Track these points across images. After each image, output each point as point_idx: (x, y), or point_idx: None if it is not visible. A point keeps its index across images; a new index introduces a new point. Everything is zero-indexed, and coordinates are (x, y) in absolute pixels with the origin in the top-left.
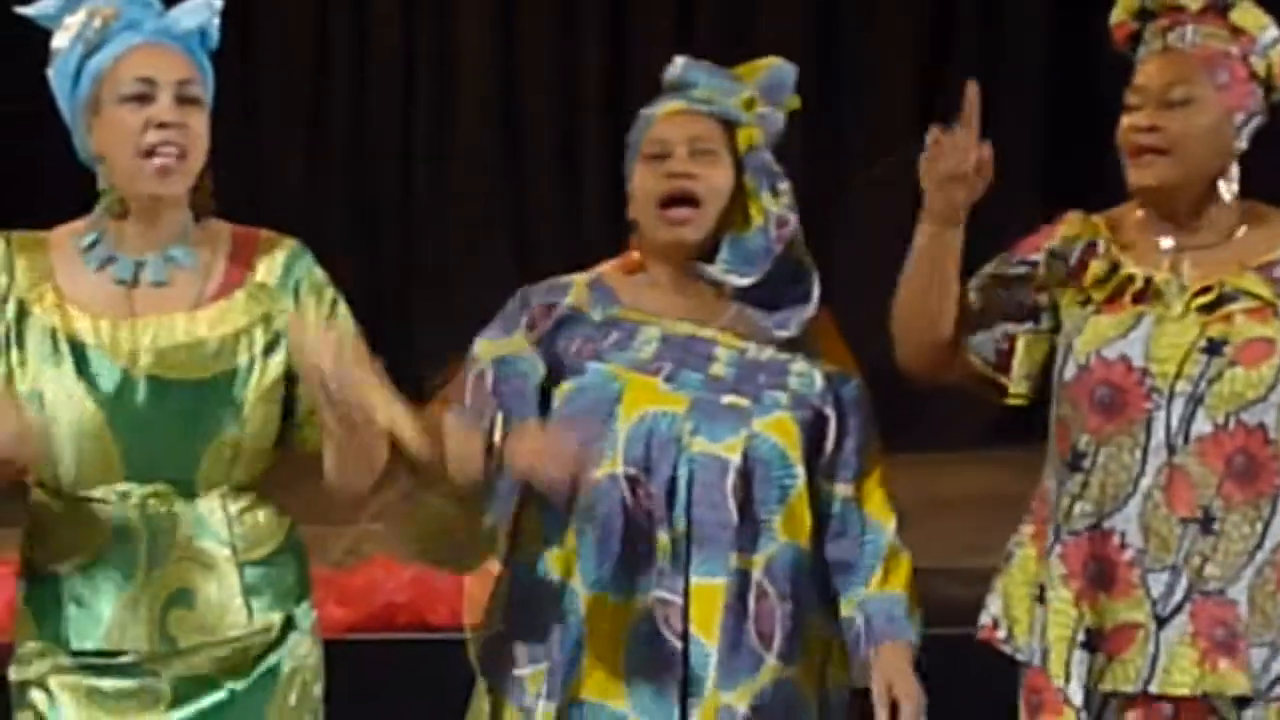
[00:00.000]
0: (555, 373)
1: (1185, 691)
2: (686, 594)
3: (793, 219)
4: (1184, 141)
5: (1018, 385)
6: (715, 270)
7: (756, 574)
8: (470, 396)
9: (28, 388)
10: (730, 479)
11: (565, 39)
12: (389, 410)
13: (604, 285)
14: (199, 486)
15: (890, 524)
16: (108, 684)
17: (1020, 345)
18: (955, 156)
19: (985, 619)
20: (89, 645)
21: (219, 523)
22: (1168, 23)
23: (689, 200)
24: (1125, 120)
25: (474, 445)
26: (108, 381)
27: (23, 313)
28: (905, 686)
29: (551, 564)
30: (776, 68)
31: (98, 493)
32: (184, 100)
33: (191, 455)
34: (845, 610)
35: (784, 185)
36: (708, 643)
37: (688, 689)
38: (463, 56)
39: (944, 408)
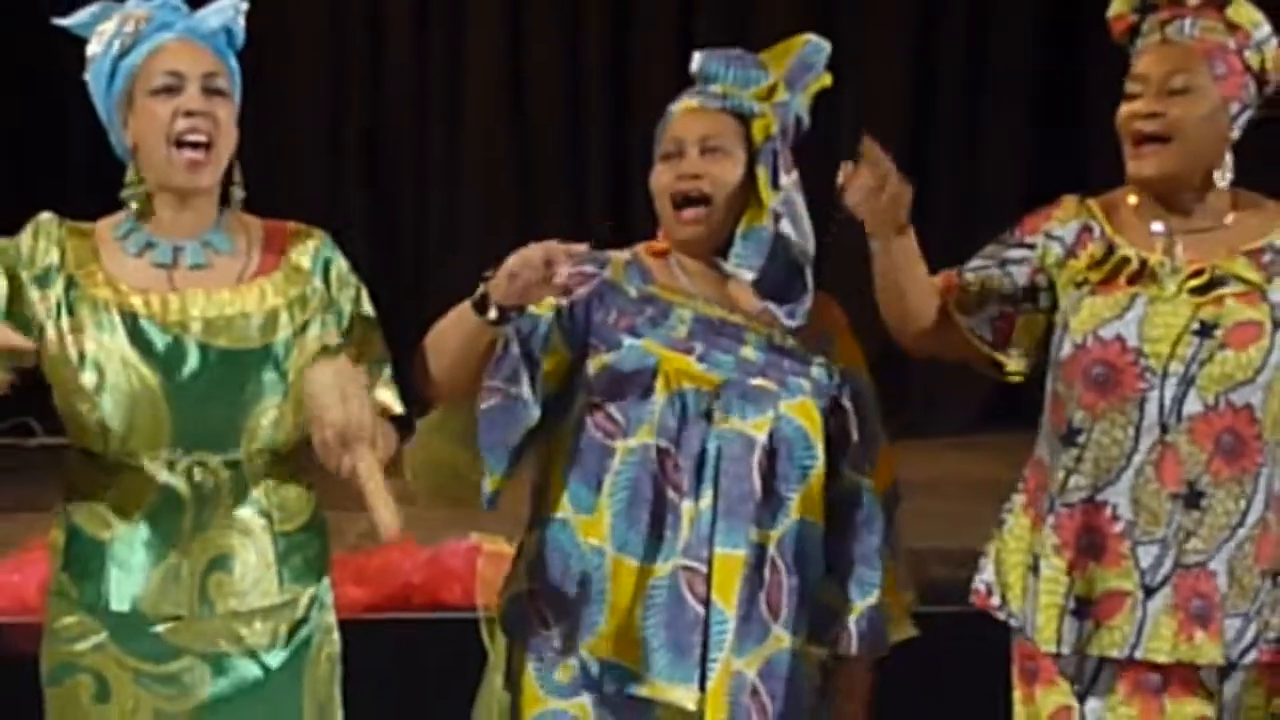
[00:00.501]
0: (587, 342)
1: (1162, 658)
2: (710, 563)
3: (786, 213)
4: (1183, 128)
5: (1016, 363)
6: (728, 264)
7: (771, 548)
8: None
9: (78, 352)
10: (756, 456)
11: (570, 41)
12: (372, 481)
13: (639, 264)
14: (242, 456)
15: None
16: (148, 665)
17: (1019, 323)
18: (863, 190)
19: (979, 585)
20: (127, 607)
21: (258, 493)
22: (1167, 15)
23: (699, 199)
24: (1126, 108)
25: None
26: (160, 349)
27: (72, 285)
28: (866, 689)
29: (579, 528)
30: (808, 48)
31: (145, 459)
32: (210, 91)
33: (237, 423)
34: (846, 604)
35: (786, 179)
36: (727, 610)
37: (706, 653)
38: (473, 57)
39: (934, 394)
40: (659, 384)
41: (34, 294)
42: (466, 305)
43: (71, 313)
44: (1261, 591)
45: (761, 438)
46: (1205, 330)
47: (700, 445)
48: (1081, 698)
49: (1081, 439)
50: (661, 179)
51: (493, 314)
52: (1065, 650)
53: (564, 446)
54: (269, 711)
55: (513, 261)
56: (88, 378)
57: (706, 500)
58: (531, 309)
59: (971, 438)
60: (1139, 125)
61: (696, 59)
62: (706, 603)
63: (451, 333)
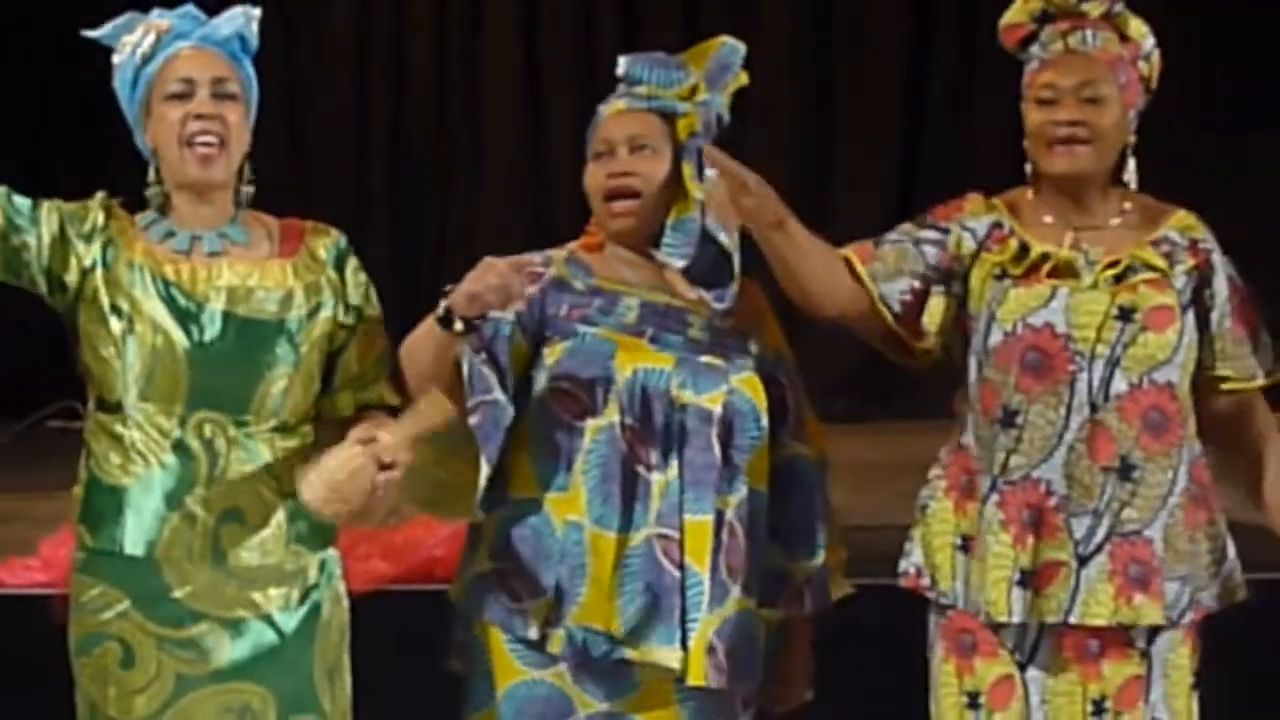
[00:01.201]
0: (543, 333)
1: (1102, 622)
2: (682, 529)
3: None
4: (1098, 134)
5: (928, 341)
6: (660, 254)
7: (729, 513)
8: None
9: (110, 303)
10: (715, 428)
11: (582, 44)
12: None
13: (578, 260)
14: (250, 419)
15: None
16: (169, 630)
17: (933, 304)
18: (723, 203)
19: (907, 568)
20: (141, 552)
21: (265, 455)
22: (1067, 26)
23: (629, 194)
24: (1043, 114)
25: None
26: (185, 312)
27: (111, 244)
28: (807, 659)
29: (551, 506)
30: (724, 49)
31: (160, 414)
32: (220, 96)
33: (249, 389)
34: (794, 567)
35: (710, 172)
36: (701, 572)
37: (685, 614)
38: (490, 59)
39: (914, 382)
40: (617, 366)
41: (80, 247)
42: (435, 329)
43: (108, 268)
44: (1192, 556)
45: (717, 410)
46: (1126, 315)
47: (664, 420)
48: (1022, 667)
49: (1020, 420)
50: (595, 178)
51: (459, 327)
52: (1016, 619)
53: (526, 431)
54: (283, 674)
55: (470, 284)
56: (116, 326)
57: (673, 471)
58: (494, 314)
59: (952, 421)
60: (1060, 131)
61: (622, 63)
62: (681, 567)
63: (422, 344)
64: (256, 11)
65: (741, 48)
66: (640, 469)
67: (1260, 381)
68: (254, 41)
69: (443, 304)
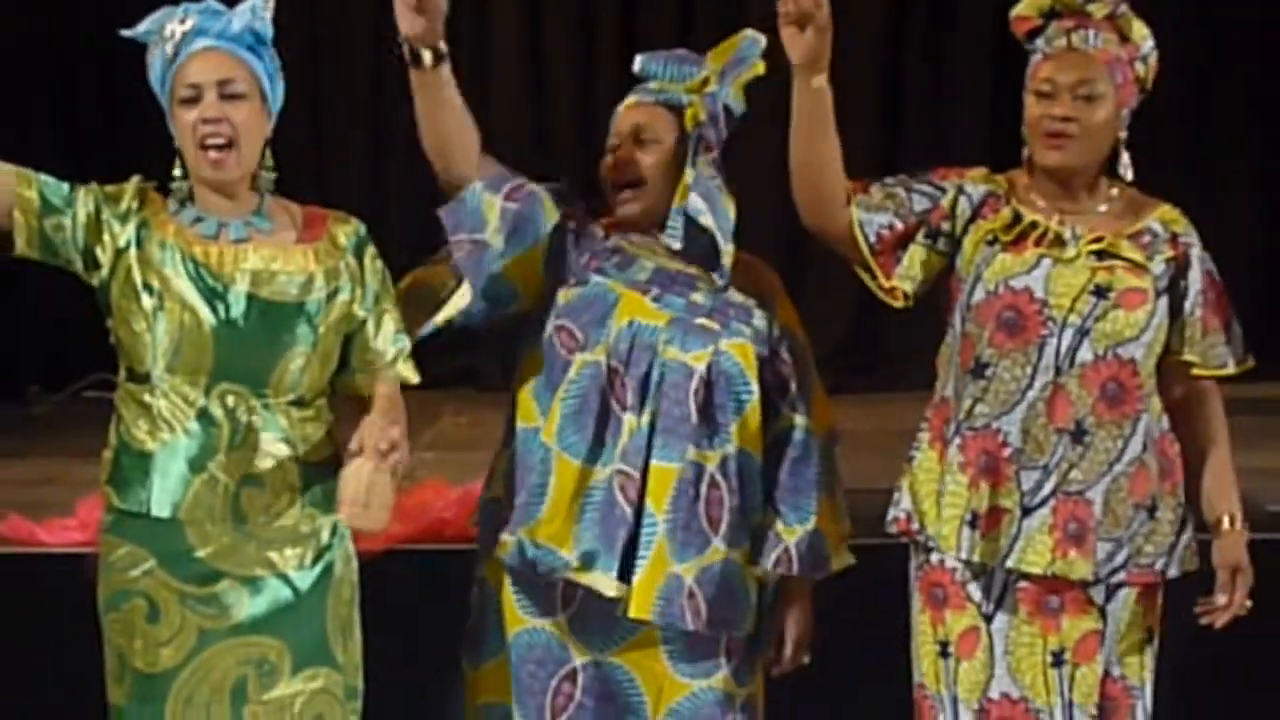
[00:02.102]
0: (561, 275)
1: (1038, 571)
2: (645, 472)
3: (696, 190)
4: (1090, 130)
5: (901, 282)
6: (664, 236)
7: (711, 467)
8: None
9: (142, 280)
10: (694, 384)
11: (583, 46)
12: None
13: (610, 231)
14: (270, 392)
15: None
16: (192, 587)
17: (914, 251)
18: (795, 13)
19: (897, 514)
20: (166, 513)
21: (283, 425)
22: (1072, 24)
23: (632, 183)
24: (1039, 109)
25: None
26: (213, 291)
27: (144, 225)
28: (807, 627)
29: (543, 436)
30: (744, 43)
31: (186, 385)
32: (226, 97)
33: (269, 365)
34: (784, 530)
35: (703, 158)
36: (656, 513)
37: (635, 550)
38: (497, 63)
39: (907, 352)
40: (616, 314)
41: (115, 227)
42: (414, 76)
43: (141, 248)
44: (1135, 522)
45: (700, 369)
46: (1100, 292)
47: (646, 369)
48: (988, 619)
49: (989, 373)
50: (604, 168)
51: (428, 59)
52: (963, 555)
53: (533, 365)
54: (298, 628)
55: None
56: (147, 302)
57: (646, 417)
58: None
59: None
60: (1054, 125)
61: (638, 61)
62: (638, 507)
63: (423, 114)
64: (260, 4)
65: (761, 40)
66: (616, 408)
67: (1230, 370)
68: (267, 32)
69: (404, 48)
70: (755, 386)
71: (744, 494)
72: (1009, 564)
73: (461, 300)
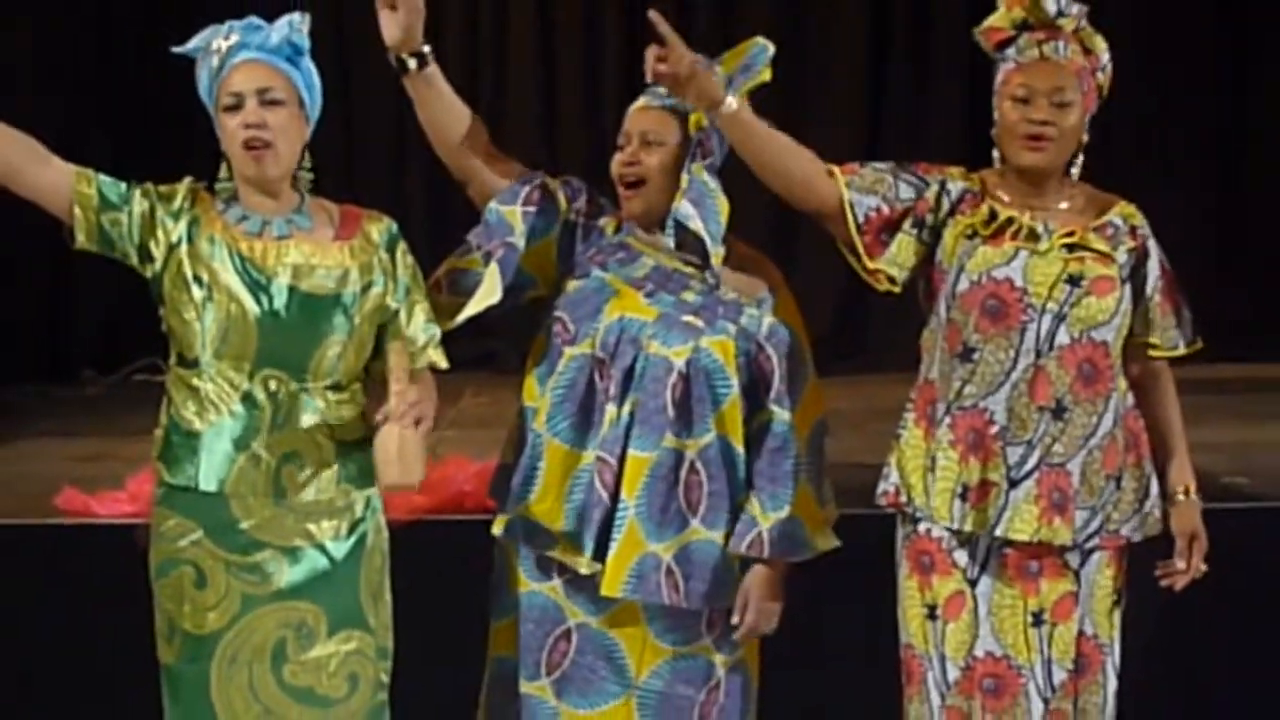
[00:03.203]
0: (571, 267)
1: (1025, 537)
2: (622, 459)
3: (687, 192)
4: (1064, 133)
5: (889, 268)
6: (662, 235)
7: (690, 455)
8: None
9: (193, 273)
10: (672, 378)
11: (591, 51)
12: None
13: (620, 225)
14: (309, 377)
15: (805, 450)
16: (236, 556)
17: (903, 240)
18: (667, 76)
19: (886, 488)
20: (214, 488)
21: (321, 407)
22: (1044, 36)
23: (636, 182)
24: (1017, 113)
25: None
26: (257, 284)
27: (195, 222)
28: (768, 598)
29: (534, 422)
30: (754, 50)
31: (231, 370)
32: (266, 103)
33: (308, 352)
34: (758, 514)
35: (699, 163)
36: (628, 499)
37: (610, 529)
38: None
39: (891, 337)
40: (608, 308)
41: (168, 224)
42: (406, 83)
43: (191, 243)
44: (1106, 491)
45: (679, 364)
46: (1074, 280)
47: (630, 362)
48: (972, 583)
49: (975, 356)
50: (614, 167)
51: (412, 65)
52: (955, 525)
53: (540, 348)
54: (333, 594)
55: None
56: (197, 294)
57: (627, 408)
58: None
59: (916, 373)
60: (1034, 129)
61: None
62: (614, 492)
63: (427, 120)
64: (298, 18)
65: (770, 48)
66: (600, 398)
67: (1182, 350)
68: (304, 44)
69: (392, 58)
70: (734, 381)
71: (726, 480)
72: (997, 532)
73: (491, 295)
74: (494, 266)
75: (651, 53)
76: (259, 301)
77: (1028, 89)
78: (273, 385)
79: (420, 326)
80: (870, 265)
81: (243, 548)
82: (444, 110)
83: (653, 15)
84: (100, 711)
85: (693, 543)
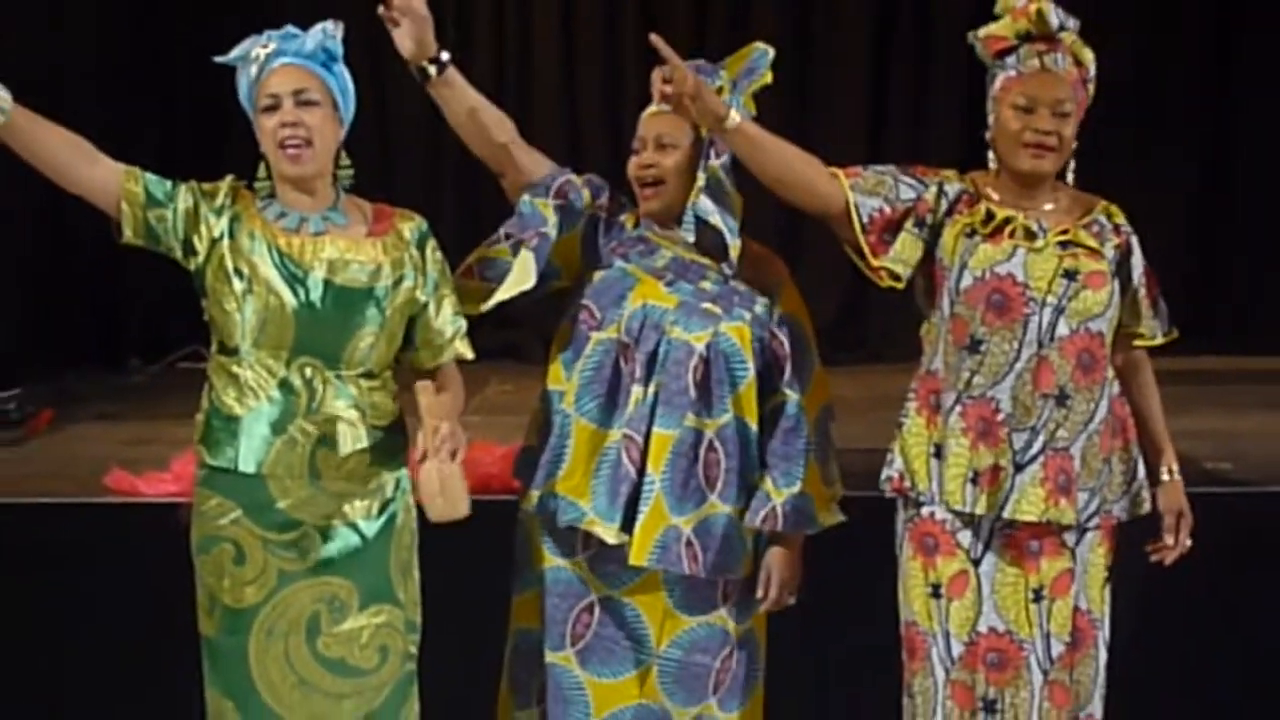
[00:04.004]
0: (595, 260)
1: (1033, 518)
2: (647, 437)
3: (704, 190)
4: (1065, 141)
5: (894, 265)
6: (680, 230)
7: (709, 434)
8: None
9: (234, 266)
10: (693, 361)
11: (610, 55)
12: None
13: (638, 221)
14: (343, 366)
15: (813, 432)
16: (273, 534)
17: (905, 239)
18: (669, 90)
19: (890, 474)
20: (252, 469)
21: (354, 393)
22: (1044, 48)
23: (653, 182)
24: (1020, 121)
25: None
26: (294, 277)
27: (236, 218)
28: (789, 573)
29: (563, 403)
30: (756, 54)
31: (269, 358)
32: (301, 104)
33: (342, 342)
34: (772, 491)
35: (714, 162)
36: (654, 473)
37: (637, 503)
38: (537, 86)
39: (889, 330)
40: (631, 296)
41: (210, 220)
42: (430, 91)
43: (233, 238)
44: (1102, 474)
45: (700, 348)
46: (1070, 275)
47: (654, 347)
48: (975, 563)
49: (983, 348)
50: (631, 169)
51: (432, 72)
52: (967, 508)
53: (564, 335)
54: (365, 570)
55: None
56: (238, 286)
57: (651, 389)
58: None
59: (917, 364)
60: (1039, 138)
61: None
62: (640, 467)
63: (447, 114)
64: (335, 25)
65: (770, 52)
66: (626, 380)
67: (1159, 340)
68: (337, 49)
69: (415, 72)
70: (751, 365)
71: (741, 457)
72: (1005, 514)
73: (525, 280)
74: (528, 254)
75: (658, 75)
76: (296, 294)
77: (1030, 99)
78: (308, 373)
79: (448, 319)
80: (875, 263)
81: (280, 526)
82: (469, 111)
83: (654, 39)
84: (143, 679)
85: (711, 516)
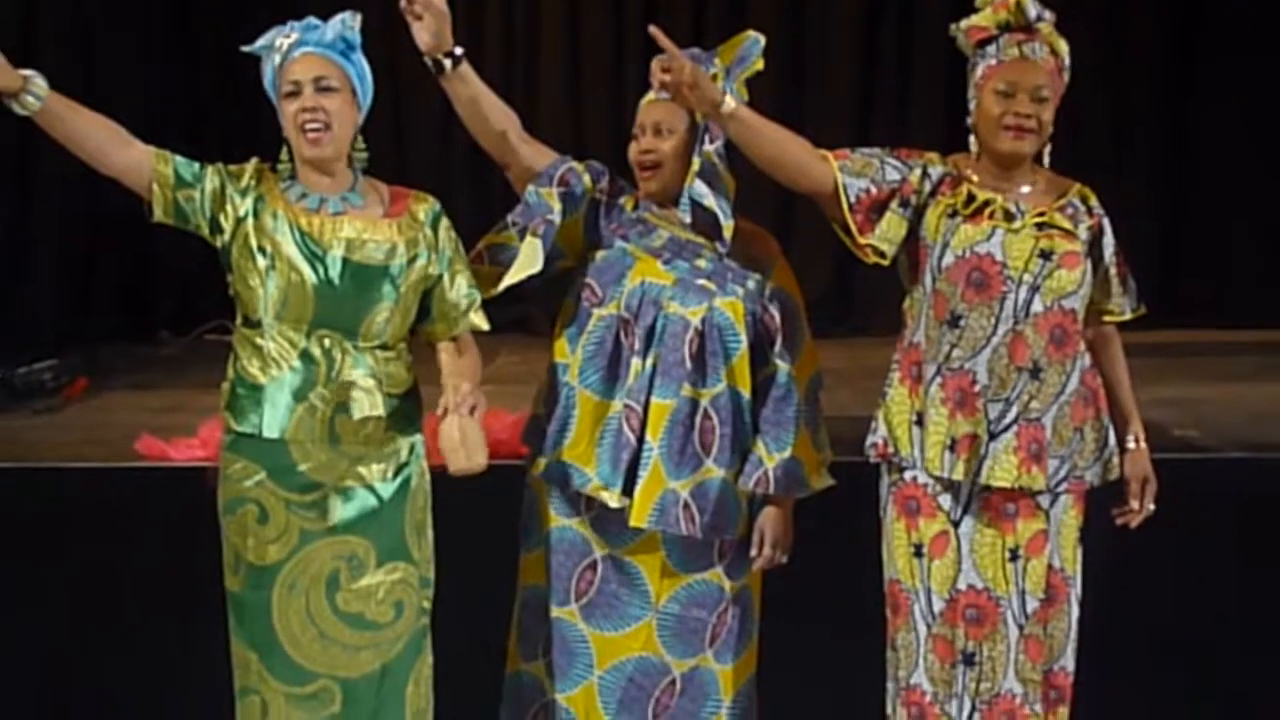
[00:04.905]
0: (597, 240)
1: (1006, 484)
2: (646, 406)
3: (699, 173)
4: (1043, 125)
5: (879, 242)
6: (677, 211)
7: (704, 403)
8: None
9: (258, 244)
10: (689, 334)
11: (614, 54)
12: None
13: (638, 202)
14: (360, 338)
15: (803, 400)
16: (295, 495)
17: (890, 218)
18: (672, 86)
19: (875, 440)
20: (276, 435)
21: (371, 363)
22: (1024, 37)
23: (652, 166)
24: (1001, 106)
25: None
26: (315, 255)
27: (260, 198)
28: (781, 532)
29: (567, 376)
30: (748, 43)
31: (291, 331)
32: (321, 90)
33: (360, 317)
34: (764, 455)
35: (708, 147)
36: (652, 441)
37: (636, 468)
38: (543, 78)
39: (874, 303)
40: (631, 274)
41: (236, 200)
42: (443, 84)
43: (257, 217)
44: (1073, 442)
45: (695, 321)
46: (1045, 255)
47: (651, 321)
48: (955, 524)
49: (962, 323)
50: (631, 154)
51: (448, 65)
52: (945, 474)
53: (568, 312)
54: (381, 529)
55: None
56: (261, 263)
57: (650, 361)
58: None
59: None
60: (1020, 121)
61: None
62: (640, 435)
63: (467, 118)
64: (354, 16)
65: (762, 40)
66: (626, 353)
67: (1128, 315)
68: (355, 39)
69: (430, 64)
70: (743, 337)
71: (735, 425)
72: (980, 479)
73: (532, 265)
74: (535, 240)
75: (657, 64)
76: (316, 271)
77: (1010, 84)
78: (327, 344)
79: (463, 292)
80: (861, 241)
81: (301, 488)
82: (479, 105)
83: (654, 31)
84: (173, 633)
85: (706, 480)
